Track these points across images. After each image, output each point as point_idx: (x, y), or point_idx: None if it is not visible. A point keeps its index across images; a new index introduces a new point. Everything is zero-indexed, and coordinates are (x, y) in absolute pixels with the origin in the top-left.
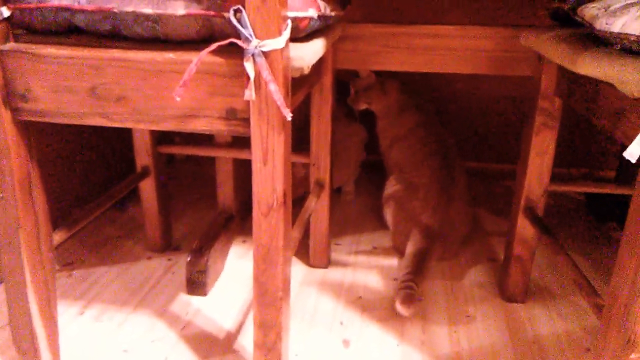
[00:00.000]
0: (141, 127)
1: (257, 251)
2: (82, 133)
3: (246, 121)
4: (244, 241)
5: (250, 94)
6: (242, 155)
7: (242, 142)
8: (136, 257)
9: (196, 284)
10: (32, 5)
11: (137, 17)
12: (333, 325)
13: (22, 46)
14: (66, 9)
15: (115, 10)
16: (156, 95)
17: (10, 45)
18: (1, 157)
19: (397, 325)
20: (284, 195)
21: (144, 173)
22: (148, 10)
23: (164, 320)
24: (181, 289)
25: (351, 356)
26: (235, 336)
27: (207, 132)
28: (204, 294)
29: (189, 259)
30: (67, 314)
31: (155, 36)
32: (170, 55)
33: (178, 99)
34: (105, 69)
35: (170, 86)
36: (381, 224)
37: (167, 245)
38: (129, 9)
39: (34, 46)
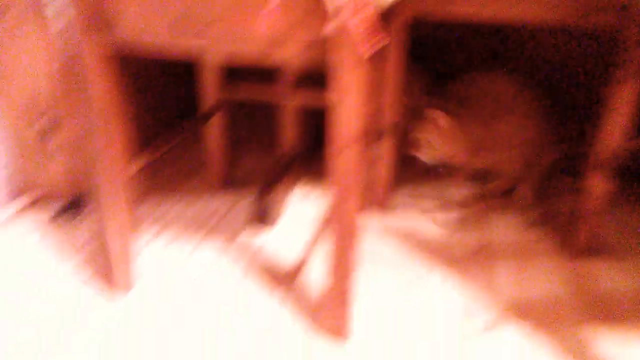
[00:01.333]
0: (224, 56)
1: (331, 187)
2: (153, 68)
3: (325, 56)
4: (304, 184)
5: (330, 28)
6: (307, 98)
7: (307, 85)
8: (200, 193)
9: (261, 220)
10: None
11: None
12: (396, 268)
13: None
14: None
15: None
16: (242, 25)
17: None
18: (89, 86)
19: (460, 270)
20: (359, 132)
21: (210, 112)
22: None
23: (230, 252)
24: (245, 225)
25: (415, 298)
26: (299, 271)
27: (286, 64)
28: (268, 229)
29: (256, 195)
30: (141, 239)
31: None
32: None
33: (262, 28)
34: None
35: (257, 15)
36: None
37: (229, 184)
38: None
39: None
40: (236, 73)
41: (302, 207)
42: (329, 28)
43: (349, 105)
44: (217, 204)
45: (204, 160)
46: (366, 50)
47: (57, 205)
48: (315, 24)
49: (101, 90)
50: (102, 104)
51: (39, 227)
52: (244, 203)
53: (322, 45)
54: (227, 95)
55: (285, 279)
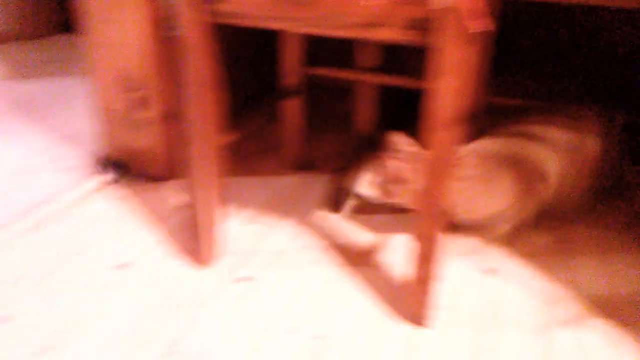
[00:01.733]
0: (323, 33)
1: (427, 164)
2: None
3: (430, 32)
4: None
5: (438, 3)
6: (386, 80)
7: (385, 67)
8: (276, 172)
9: (336, 202)
10: None
11: None
12: (472, 258)
13: None
14: None
15: None
16: (342, 2)
17: None
18: (191, 56)
19: (541, 261)
20: (457, 116)
21: (290, 90)
22: None
23: (307, 230)
24: (319, 205)
25: (495, 284)
26: (373, 252)
27: (387, 41)
28: (341, 212)
29: (330, 177)
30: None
31: None
32: None
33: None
34: None
35: None
36: None
37: (303, 164)
38: None
39: None
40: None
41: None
42: (437, 4)
43: (449, 87)
44: (293, 184)
45: (281, 139)
46: (472, 30)
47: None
48: (419, 1)
49: (201, 59)
50: (201, 74)
51: (124, 198)
52: (319, 185)
53: (423, 24)
54: (308, 73)
55: (361, 261)
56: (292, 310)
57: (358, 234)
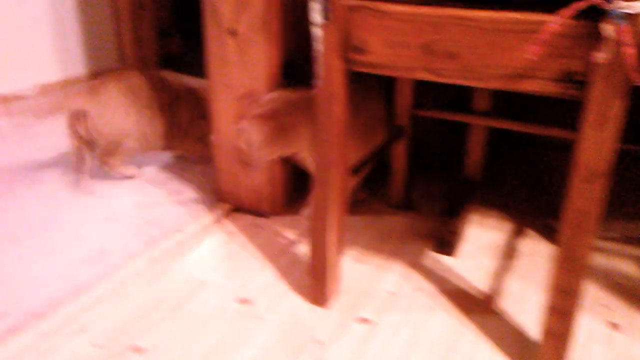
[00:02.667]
0: (466, 84)
1: (569, 216)
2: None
3: (582, 84)
4: (476, 210)
5: (602, 56)
6: (500, 124)
7: (499, 111)
8: (378, 212)
9: (446, 244)
10: None
11: None
12: (597, 308)
13: (364, 2)
14: None
15: None
16: (490, 54)
17: (353, 1)
18: (330, 103)
19: None
20: (607, 167)
21: (399, 133)
22: None
23: (417, 271)
24: (427, 246)
25: (621, 339)
26: (493, 298)
27: (535, 93)
28: (453, 254)
29: (441, 219)
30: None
31: None
32: (514, 15)
33: (531, 57)
34: (442, 26)
35: (508, 45)
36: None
37: (405, 204)
38: None
39: (375, 3)
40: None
41: (477, 233)
42: (600, 57)
43: (600, 139)
44: (397, 224)
45: (386, 177)
46: (636, 83)
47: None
48: (575, 53)
49: (337, 106)
50: (337, 119)
51: (237, 233)
52: (424, 225)
53: (580, 77)
54: (418, 114)
55: (479, 307)
56: (415, 358)
57: (472, 278)
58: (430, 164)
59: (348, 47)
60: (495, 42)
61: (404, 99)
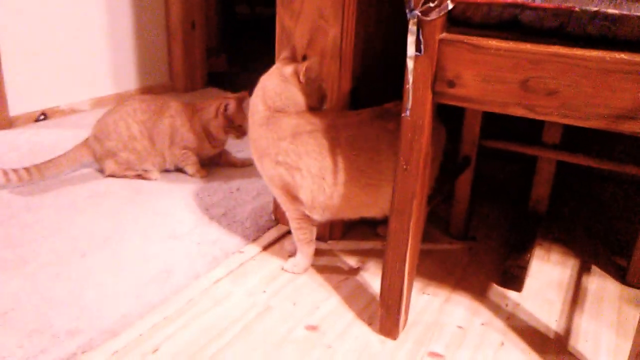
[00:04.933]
0: (564, 122)
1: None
2: None
3: None
4: (540, 244)
5: None
6: (571, 158)
7: (571, 144)
8: (438, 241)
9: (514, 278)
10: (485, 1)
11: (596, 16)
12: None
13: (459, 37)
14: (517, 5)
15: (575, 8)
16: (594, 93)
17: (448, 35)
18: (415, 134)
19: None
20: None
21: (465, 163)
22: (613, 10)
23: (484, 305)
24: (491, 279)
25: None
26: (566, 339)
27: (637, 135)
28: (520, 289)
29: (506, 252)
30: None
31: (604, 35)
32: (622, 55)
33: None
34: (542, 63)
35: (615, 86)
36: None
37: (466, 234)
38: (591, 8)
39: (471, 37)
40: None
41: (543, 268)
42: None
43: None
44: (459, 254)
45: (446, 207)
46: None
47: None
48: None
49: (423, 138)
50: (421, 152)
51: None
52: (487, 257)
53: None
54: (484, 145)
55: (552, 346)
56: None
57: (541, 315)
58: (490, 193)
59: (439, 80)
60: (600, 81)
61: (471, 129)
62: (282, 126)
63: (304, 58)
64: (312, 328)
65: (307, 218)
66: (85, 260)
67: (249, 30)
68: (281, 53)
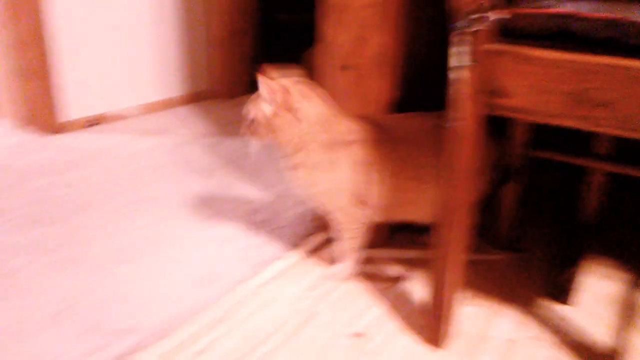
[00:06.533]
0: (616, 134)
1: None
2: None
3: None
4: (590, 257)
5: None
6: (625, 170)
7: (623, 154)
8: (483, 251)
9: (563, 291)
10: (533, 11)
11: None
12: None
13: (508, 47)
14: (569, 16)
15: (627, 19)
16: None
17: (495, 45)
18: (462, 144)
19: None
20: None
21: (513, 173)
22: None
23: (532, 318)
24: (539, 291)
25: None
26: (618, 355)
27: None
28: (569, 303)
29: (555, 265)
30: None
31: None
32: None
33: None
34: (595, 74)
35: None
36: None
37: (512, 246)
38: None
39: (521, 48)
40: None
41: (596, 282)
42: None
43: None
44: (505, 266)
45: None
46: None
47: None
48: None
49: (470, 150)
50: (468, 164)
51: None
52: (535, 270)
53: None
54: (533, 155)
55: None
56: None
57: (592, 331)
58: (539, 204)
59: (488, 90)
60: None
61: (519, 139)
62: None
63: (349, 68)
64: (358, 335)
65: (359, 223)
66: (133, 262)
67: (289, 38)
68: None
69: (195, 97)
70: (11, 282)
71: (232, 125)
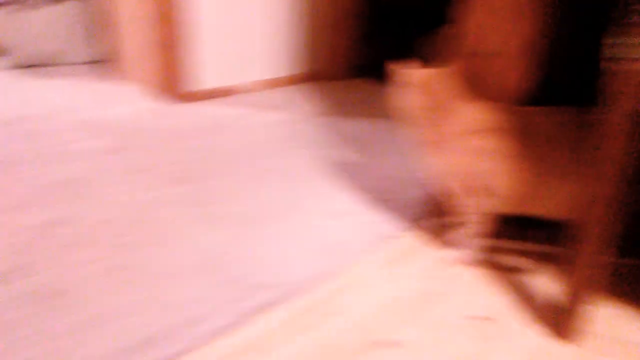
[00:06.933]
0: None
1: None
2: None
3: None
4: None
5: None
6: None
7: None
8: (625, 253)
9: None
10: None
11: None
12: None
13: None
14: None
15: None
16: None
17: None
18: (614, 139)
19: None
20: None
21: None
22: None
23: None
24: None
25: None
26: None
27: None
28: None
29: None
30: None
31: None
32: None
33: None
34: None
35: None
36: None
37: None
38: None
39: None
40: None
41: None
42: None
43: None
44: (634, 270)
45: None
46: None
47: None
48: None
49: (623, 143)
50: (621, 157)
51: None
52: None
53: None
54: None
55: None
56: None
57: None
58: None
59: None
60: None
61: None
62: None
63: (492, 55)
64: (487, 319)
65: (485, 212)
66: (267, 225)
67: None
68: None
69: (305, 77)
70: (162, 230)
71: (346, 106)
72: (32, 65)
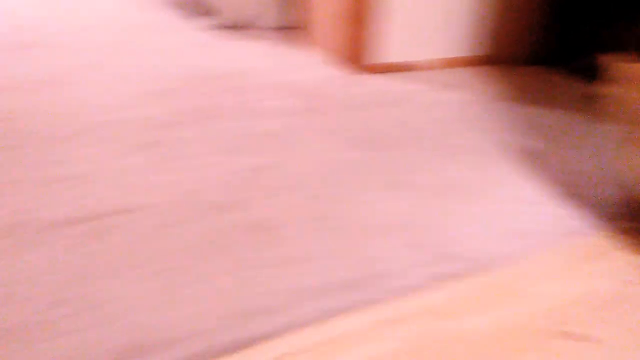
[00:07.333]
0: None
1: None
2: None
3: None
4: None
5: None
6: None
7: None
8: None
9: None
10: None
11: None
12: None
13: None
14: None
15: None
16: None
17: None
18: None
19: None
20: None
21: None
22: None
23: None
24: None
25: None
26: None
27: None
28: None
29: None
30: None
31: None
32: None
33: None
34: None
35: None
36: None
37: None
38: None
39: None
40: None
41: None
42: None
43: None
44: None
45: None
46: None
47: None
48: None
49: None
50: None
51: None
52: None
53: None
54: None
55: None
56: None
57: None
58: None
59: None
60: None
61: None
62: None
63: None
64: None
65: None
66: (449, 198)
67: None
68: None
69: (485, 60)
70: (353, 190)
71: (529, 94)
72: (232, 27)
